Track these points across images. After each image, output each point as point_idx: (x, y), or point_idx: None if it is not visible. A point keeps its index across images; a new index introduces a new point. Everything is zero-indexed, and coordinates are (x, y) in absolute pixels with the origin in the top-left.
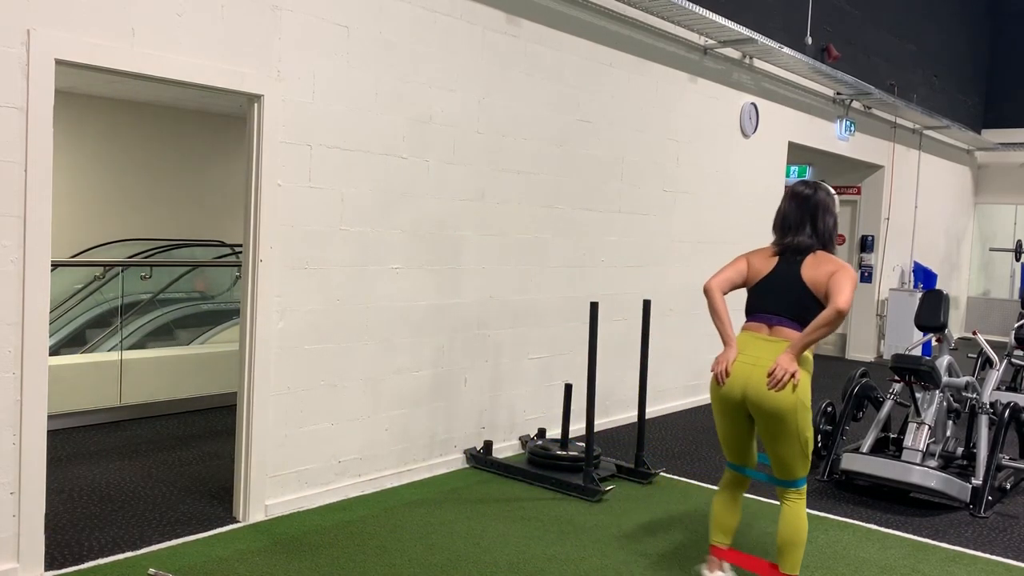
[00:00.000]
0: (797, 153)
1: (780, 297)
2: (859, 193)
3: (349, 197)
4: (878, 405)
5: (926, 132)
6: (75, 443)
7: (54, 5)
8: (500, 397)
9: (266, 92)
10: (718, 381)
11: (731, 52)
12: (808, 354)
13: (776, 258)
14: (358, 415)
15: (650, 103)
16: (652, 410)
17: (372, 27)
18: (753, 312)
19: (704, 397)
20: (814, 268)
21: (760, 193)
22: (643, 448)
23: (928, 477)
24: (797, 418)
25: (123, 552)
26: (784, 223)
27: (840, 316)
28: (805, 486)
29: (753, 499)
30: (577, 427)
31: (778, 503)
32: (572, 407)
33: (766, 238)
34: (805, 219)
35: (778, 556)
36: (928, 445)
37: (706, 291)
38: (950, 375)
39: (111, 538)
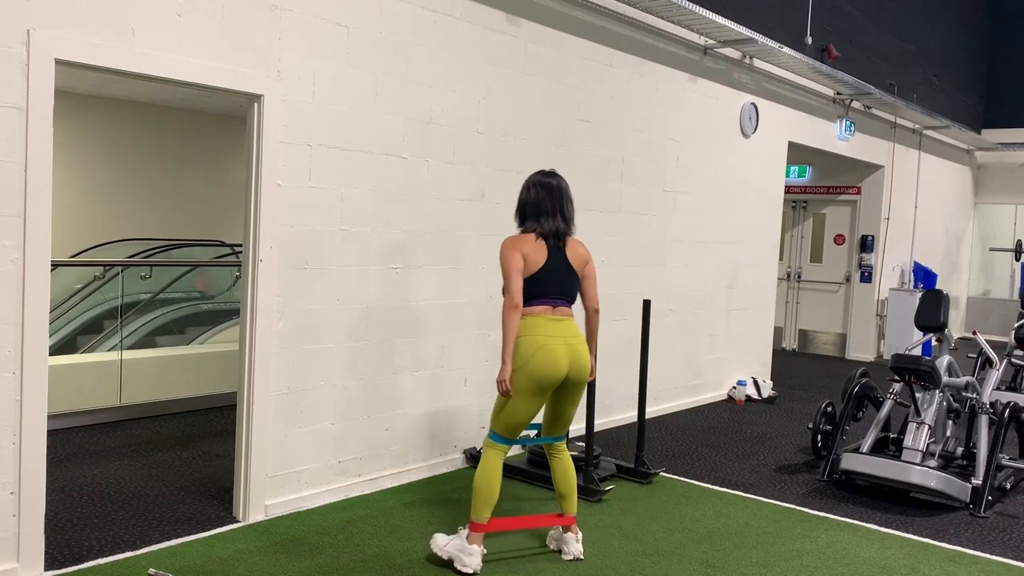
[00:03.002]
0: (797, 153)
1: (559, 282)
2: (859, 193)
3: (349, 197)
4: (878, 405)
5: (926, 132)
6: (75, 443)
7: (54, 5)
8: None
9: (266, 92)
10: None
11: (731, 52)
12: None
13: (543, 244)
14: (358, 415)
15: (650, 103)
16: (652, 410)
17: (372, 27)
18: (537, 297)
19: (704, 397)
20: (573, 252)
21: (760, 193)
22: (643, 448)
23: (928, 477)
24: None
25: (123, 552)
26: (538, 210)
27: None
28: None
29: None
30: (577, 427)
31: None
32: None
33: (766, 238)
34: (556, 206)
35: (566, 501)
36: (928, 445)
37: (515, 309)
38: (950, 375)
39: (111, 538)
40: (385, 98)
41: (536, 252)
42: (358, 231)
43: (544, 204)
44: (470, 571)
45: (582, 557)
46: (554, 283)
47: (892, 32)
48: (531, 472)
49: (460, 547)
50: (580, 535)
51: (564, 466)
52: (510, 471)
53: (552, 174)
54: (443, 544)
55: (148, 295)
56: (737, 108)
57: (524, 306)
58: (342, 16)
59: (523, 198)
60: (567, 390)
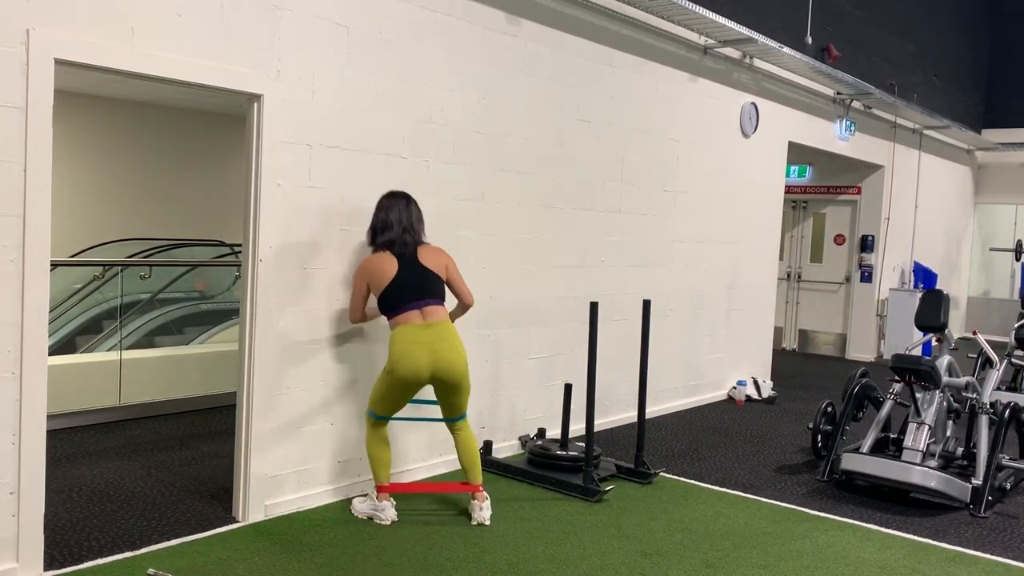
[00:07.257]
0: (797, 153)
1: (420, 286)
2: (859, 193)
3: (349, 197)
4: (878, 405)
5: (926, 132)
6: (75, 443)
7: (54, 5)
8: (500, 397)
9: (266, 92)
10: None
11: (731, 52)
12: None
13: (395, 258)
14: (358, 415)
15: (650, 103)
16: (652, 410)
17: (372, 27)
18: (401, 306)
19: (704, 397)
20: (431, 258)
21: (760, 193)
22: (643, 448)
23: (928, 477)
24: (467, 372)
25: (123, 552)
26: (399, 224)
27: (469, 308)
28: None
29: None
30: (577, 427)
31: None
32: (572, 407)
33: (766, 238)
34: (412, 220)
35: (472, 472)
36: (928, 445)
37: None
38: (950, 375)
39: (111, 538)
40: (385, 98)
41: (387, 267)
42: (358, 231)
43: (403, 219)
44: (387, 522)
45: (487, 523)
46: (413, 289)
47: (892, 32)
48: (531, 472)
49: (373, 506)
50: (487, 501)
51: (464, 441)
52: (509, 471)
53: (399, 194)
54: (360, 507)
55: (147, 295)
56: (737, 108)
57: (394, 315)
58: (342, 16)
59: (381, 216)
60: (441, 386)
